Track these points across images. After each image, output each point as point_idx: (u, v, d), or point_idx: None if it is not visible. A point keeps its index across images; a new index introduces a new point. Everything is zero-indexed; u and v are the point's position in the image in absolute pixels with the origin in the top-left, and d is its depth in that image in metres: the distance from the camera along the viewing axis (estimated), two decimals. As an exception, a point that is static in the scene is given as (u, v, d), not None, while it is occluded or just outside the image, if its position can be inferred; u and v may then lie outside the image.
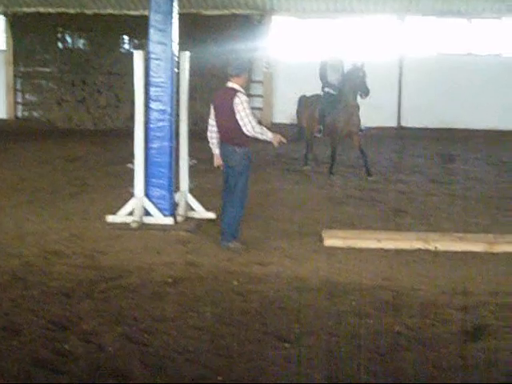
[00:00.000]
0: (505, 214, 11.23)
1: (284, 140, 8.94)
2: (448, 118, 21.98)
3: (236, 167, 8.83)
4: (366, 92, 13.90)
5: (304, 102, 15.37)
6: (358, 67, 13.95)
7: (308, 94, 15.31)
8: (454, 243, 9.12)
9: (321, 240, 9.27)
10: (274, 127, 20.60)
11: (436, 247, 9.02)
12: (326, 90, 14.74)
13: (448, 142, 20.04)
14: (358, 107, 14.21)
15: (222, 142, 8.94)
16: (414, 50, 22.21)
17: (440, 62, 21.98)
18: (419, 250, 8.96)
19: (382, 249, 9.00)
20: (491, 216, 11.11)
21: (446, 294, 7.38)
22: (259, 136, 8.74)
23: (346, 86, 14.12)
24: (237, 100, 8.62)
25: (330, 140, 14.73)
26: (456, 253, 8.89)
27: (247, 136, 8.74)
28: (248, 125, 8.64)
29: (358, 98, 14.09)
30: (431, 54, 22.21)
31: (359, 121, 14.27)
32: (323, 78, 14.77)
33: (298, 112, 15.60)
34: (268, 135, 8.78)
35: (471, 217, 11.03)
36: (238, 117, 8.64)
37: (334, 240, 9.21)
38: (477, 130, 21.66)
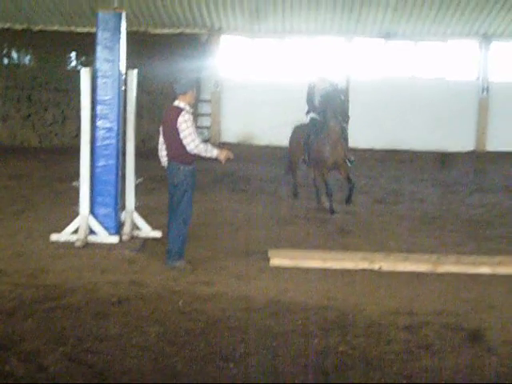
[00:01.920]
0: (449, 235, 11.38)
1: (232, 156, 8.95)
2: (393, 139, 22.22)
3: (180, 185, 8.82)
4: (345, 118, 12.57)
5: (294, 131, 14.20)
6: (339, 89, 12.69)
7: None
8: (399, 263, 9.20)
9: (267, 259, 9.27)
10: (221, 146, 20.64)
11: (381, 267, 9.10)
12: (312, 115, 13.44)
13: (393, 163, 20.28)
14: (342, 133, 12.78)
15: (168, 160, 8.93)
16: (361, 72, 22.46)
17: (386, 84, 22.25)
18: (364, 269, 9.03)
19: (327, 269, 9.03)
20: (436, 236, 11.25)
21: (390, 313, 7.43)
22: (204, 154, 8.75)
23: (327, 110, 12.67)
24: (180, 119, 8.64)
25: (317, 172, 13.28)
26: (401, 273, 8.97)
27: (192, 154, 8.74)
28: (191, 143, 8.65)
29: None
30: (377, 76, 22.47)
31: (345, 150, 12.85)
32: (310, 102, 13.52)
33: (289, 142, 14.31)
34: (214, 152, 8.80)
35: (416, 237, 11.15)
36: (181, 135, 8.65)
37: (280, 259, 9.22)
38: (421, 152, 21.94)
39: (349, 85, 12.37)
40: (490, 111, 22.51)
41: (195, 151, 8.70)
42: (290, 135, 14.37)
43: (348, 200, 12.84)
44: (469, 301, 7.98)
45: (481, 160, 21.23)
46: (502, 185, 16.75)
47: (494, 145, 22.45)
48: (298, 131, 13.90)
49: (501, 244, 10.84)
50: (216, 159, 8.96)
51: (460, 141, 22.47)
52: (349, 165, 12.84)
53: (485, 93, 22.47)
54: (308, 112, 13.57)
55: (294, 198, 14.06)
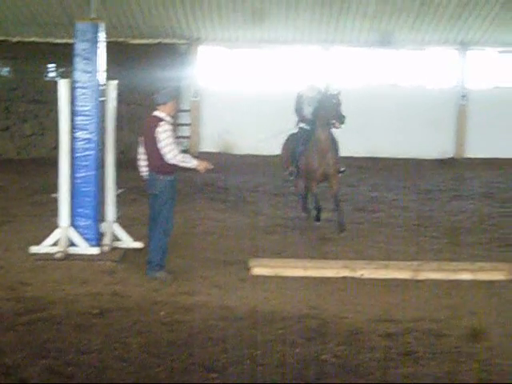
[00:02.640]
0: (429, 242, 11.42)
1: (211, 166, 8.95)
2: (373, 147, 22.30)
3: (160, 195, 8.81)
4: (341, 119, 11.49)
5: (286, 141, 13.32)
6: (332, 94, 11.79)
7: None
8: (380, 271, 9.24)
9: (248, 269, 9.27)
10: (201, 156, 20.63)
11: (362, 275, 9.13)
12: (301, 125, 12.68)
13: (374, 171, 20.33)
14: (332, 141, 12.02)
15: (149, 170, 8.92)
16: (340, 80, 22.54)
17: (365, 92, 22.33)
18: (345, 277, 9.05)
19: (308, 277, 9.05)
20: (416, 243, 11.28)
21: (371, 321, 7.45)
22: (182, 164, 8.76)
23: (317, 118, 11.90)
24: (159, 129, 8.65)
25: (306, 184, 12.54)
26: (381, 280, 9.00)
27: (171, 164, 8.74)
28: (169, 153, 8.65)
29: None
30: (356, 84, 22.55)
31: (336, 159, 12.02)
32: (299, 112, 12.73)
33: (281, 151, 13.47)
34: (193, 163, 8.80)
35: (396, 244, 11.19)
36: (160, 145, 8.65)
37: (260, 269, 9.22)
38: (400, 159, 22.01)
39: (340, 91, 11.59)
40: (468, 118, 22.65)
41: (173, 161, 8.70)
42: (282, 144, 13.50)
43: (341, 227, 11.66)
44: (450, 307, 8.02)
45: (460, 167, 21.35)
46: (481, 191, 16.83)
47: (472, 151, 22.59)
48: (289, 141, 13.15)
49: (481, 250, 10.89)
50: (195, 169, 8.96)
51: (439, 148, 22.59)
52: (339, 175, 12.13)
53: (463, 100, 22.62)
54: (298, 123, 12.86)
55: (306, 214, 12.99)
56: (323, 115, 11.73)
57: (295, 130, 12.93)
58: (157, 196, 8.85)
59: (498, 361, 6.43)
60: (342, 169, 12.17)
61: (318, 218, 12.25)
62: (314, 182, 12.14)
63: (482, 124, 22.41)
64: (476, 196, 16.16)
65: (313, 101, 12.37)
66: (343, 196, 15.56)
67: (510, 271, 9.26)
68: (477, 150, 22.47)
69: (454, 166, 21.41)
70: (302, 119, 12.72)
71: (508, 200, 15.68)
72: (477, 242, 11.47)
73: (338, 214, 11.83)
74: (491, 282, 9.00)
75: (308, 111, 12.51)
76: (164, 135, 8.65)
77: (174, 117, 9.48)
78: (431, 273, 9.23)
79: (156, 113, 8.87)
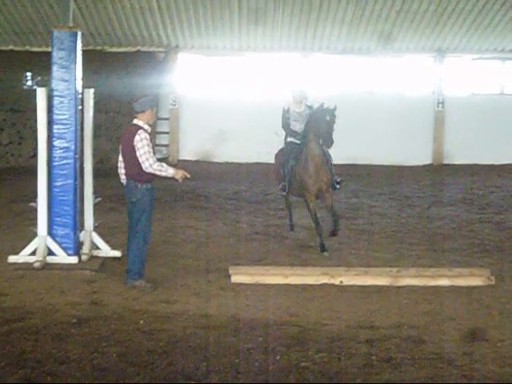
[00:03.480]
0: (408, 248, 11.46)
1: (188, 175, 8.93)
2: (352, 154, 22.36)
3: (138, 204, 8.78)
4: (328, 142, 11.04)
5: (276, 155, 12.46)
6: (327, 109, 11.18)
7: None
8: (359, 277, 9.25)
9: (228, 276, 9.25)
10: (180, 164, 20.62)
11: (341, 282, 9.13)
12: (289, 139, 11.93)
13: (352, 178, 20.38)
14: (325, 155, 11.39)
15: (126, 179, 8.90)
16: (318, 87, 22.60)
17: (343, 99, 22.33)
18: (325, 284, 9.06)
19: (288, 284, 9.05)
20: (395, 250, 11.32)
21: (351, 328, 7.46)
22: (159, 173, 8.73)
23: (309, 131, 11.29)
24: (137, 137, 8.63)
25: (299, 198, 12.05)
26: (361, 287, 9.01)
27: (149, 173, 8.71)
28: (145, 162, 8.63)
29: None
30: (334, 91, 22.61)
31: (330, 174, 11.47)
32: (286, 126, 11.93)
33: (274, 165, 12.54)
34: (169, 171, 8.77)
35: (375, 251, 11.21)
36: (137, 154, 8.63)
37: (240, 276, 9.21)
38: (379, 166, 22.10)
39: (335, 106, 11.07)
40: (445, 125, 22.82)
41: (150, 170, 8.67)
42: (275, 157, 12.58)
43: (333, 233, 11.24)
44: (429, 313, 8.04)
45: (438, 173, 21.48)
46: (460, 197, 16.93)
47: (450, 158, 22.74)
48: (279, 155, 12.29)
49: (459, 256, 10.94)
50: (173, 178, 8.94)
51: (417, 154, 22.72)
52: (337, 187, 11.61)
53: (440, 107, 22.77)
54: (286, 138, 12.05)
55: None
56: (316, 131, 11.10)
57: (283, 146, 12.19)
58: (135, 204, 8.82)
59: (477, 366, 6.45)
60: (339, 179, 11.68)
61: (322, 247, 11.01)
62: (312, 198, 11.38)
63: (460, 130, 22.59)
64: (454, 202, 16.26)
65: (301, 116, 11.77)
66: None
67: (489, 277, 9.30)
68: (454, 156, 22.63)
69: (432, 173, 21.52)
70: (290, 133, 11.91)
71: (486, 206, 15.79)
72: (455, 247, 11.53)
73: (333, 220, 11.21)
74: (470, 288, 9.03)
75: (297, 127, 11.78)
76: (141, 144, 8.63)
77: (153, 125, 9.43)
78: (410, 279, 9.25)
79: (135, 121, 8.85)
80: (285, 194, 12.01)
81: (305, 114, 11.77)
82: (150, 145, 8.74)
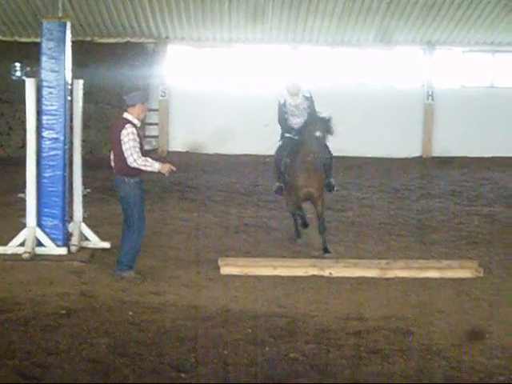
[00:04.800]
0: (397, 240, 11.49)
1: (174, 168, 8.91)
2: (341, 146, 22.29)
3: (127, 198, 8.78)
4: (321, 156, 10.49)
5: (275, 153, 11.61)
6: (324, 118, 10.68)
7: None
8: (348, 269, 9.27)
9: (217, 268, 9.26)
10: (169, 155, 20.60)
11: (330, 273, 9.16)
12: (287, 135, 11.27)
13: (341, 170, 20.37)
14: (320, 156, 10.49)
15: (115, 172, 8.88)
16: (308, 80, 22.58)
17: (333, 92, 22.39)
18: (314, 276, 9.08)
19: (277, 276, 9.06)
20: (384, 242, 11.35)
21: (340, 319, 7.48)
22: (144, 168, 8.69)
23: (305, 128, 10.66)
24: (124, 132, 8.62)
25: (290, 201, 11.28)
26: (350, 278, 9.04)
27: (134, 167, 8.69)
28: (130, 157, 8.61)
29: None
30: (324, 84, 22.59)
31: (321, 178, 10.79)
32: (283, 122, 11.28)
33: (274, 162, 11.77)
34: (155, 166, 8.73)
35: (365, 243, 11.24)
36: (123, 148, 8.61)
37: (230, 268, 9.22)
38: (368, 158, 22.11)
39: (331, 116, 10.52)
40: (435, 117, 22.82)
41: (134, 165, 8.63)
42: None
43: (325, 249, 10.45)
44: (417, 305, 8.08)
45: (427, 165, 21.49)
46: (448, 190, 16.95)
47: (439, 150, 22.76)
48: (277, 153, 11.48)
49: (448, 248, 10.98)
50: (159, 172, 8.91)
51: (407, 147, 22.73)
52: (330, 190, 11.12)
53: (430, 99, 22.78)
54: (282, 135, 11.41)
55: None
56: (312, 127, 10.49)
57: (280, 142, 11.46)
58: (124, 198, 8.82)
59: (466, 358, 6.48)
60: (333, 183, 11.10)
61: (325, 247, 10.46)
62: (299, 199, 10.86)
63: (449, 123, 22.59)
64: (444, 194, 16.28)
65: (298, 109, 11.20)
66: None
67: (477, 269, 9.34)
68: (443, 148, 22.64)
69: (421, 165, 21.54)
70: (287, 129, 11.28)
71: (475, 198, 15.82)
72: (444, 239, 11.57)
73: (321, 236, 10.58)
74: (459, 280, 9.07)
75: (294, 121, 11.19)
76: (126, 138, 8.60)
77: (143, 120, 9.38)
78: (399, 271, 9.28)
79: (125, 115, 8.83)
80: (281, 194, 11.45)
81: (302, 106, 11.27)
82: (137, 139, 8.69)
